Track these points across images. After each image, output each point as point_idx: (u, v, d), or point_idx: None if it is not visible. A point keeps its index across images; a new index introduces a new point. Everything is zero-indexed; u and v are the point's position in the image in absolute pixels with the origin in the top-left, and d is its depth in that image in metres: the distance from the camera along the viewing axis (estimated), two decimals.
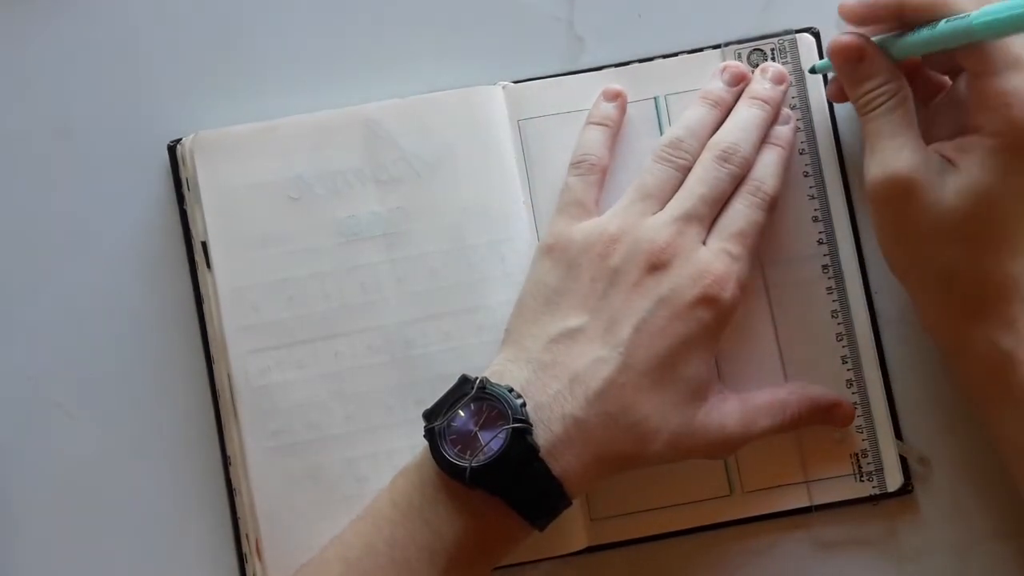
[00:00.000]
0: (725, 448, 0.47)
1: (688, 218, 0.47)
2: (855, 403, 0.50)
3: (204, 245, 0.50)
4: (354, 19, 0.53)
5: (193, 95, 0.53)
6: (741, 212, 0.48)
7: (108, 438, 0.52)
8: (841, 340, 0.50)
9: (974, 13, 0.42)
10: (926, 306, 0.47)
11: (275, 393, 0.49)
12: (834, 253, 0.51)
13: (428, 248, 0.50)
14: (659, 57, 0.52)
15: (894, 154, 0.45)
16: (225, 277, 0.50)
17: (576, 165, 0.50)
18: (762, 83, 0.50)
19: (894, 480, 0.50)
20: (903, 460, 0.50)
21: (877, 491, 0.50)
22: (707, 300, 0.46)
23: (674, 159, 0.49)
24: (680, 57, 0.52)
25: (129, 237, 0.52)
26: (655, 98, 0.52)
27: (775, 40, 0.51)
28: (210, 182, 0.50)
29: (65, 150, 0.52)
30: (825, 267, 0.51)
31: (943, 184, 0.44)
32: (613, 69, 0.52)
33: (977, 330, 0.45)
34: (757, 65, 0.51)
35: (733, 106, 0.50)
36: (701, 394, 0.46)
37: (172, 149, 0.52)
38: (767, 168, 0.49)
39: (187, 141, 0.50)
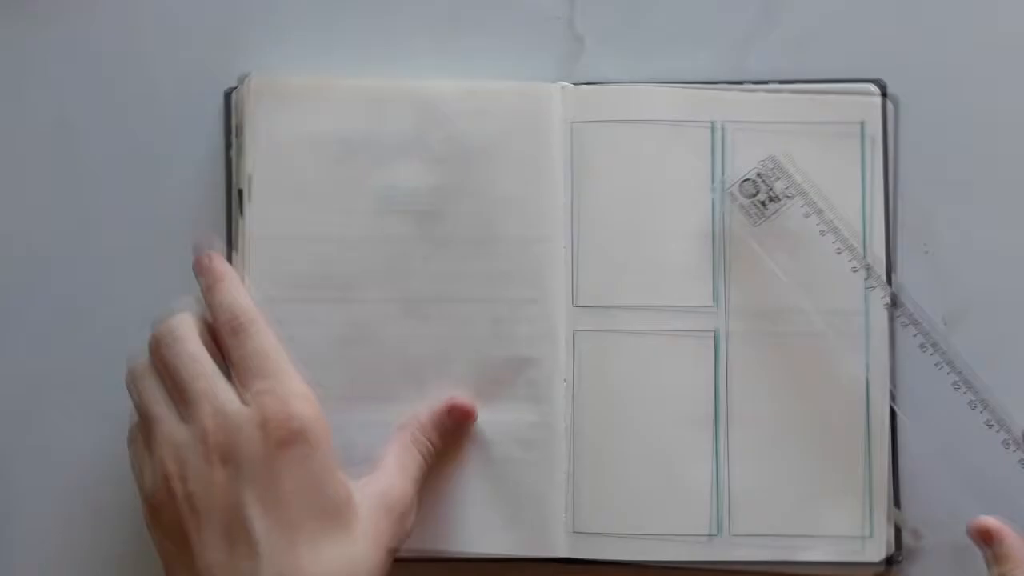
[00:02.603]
0: (409, 511, 0.47)
1: (200, 399, 0.45)
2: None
3: (240, 193, 0.51)
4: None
5: (251, 45, 0.53)
6: (239, 355, 0.46)
7: (108, 437, 0.51)
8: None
9: None
10: None
11: (285, 344, 0.49)
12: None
13: (459, 232, 0.50)
14: (724, 83, 0.52)
15: None
16: (256, 224, 0.50)
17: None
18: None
19: (881, 550, 0.49)
20: (897, 529, 0.49)
21: (864, 559, 0.49)
22: (283, 443, 0.44)
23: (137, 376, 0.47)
24: (745, 86, 0.51)
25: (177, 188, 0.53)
26: (711, 123, 0.51)
27: (759, 165, 0.50)
28: (261, 126, 0.51)
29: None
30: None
31: None
32: (679, 87, 0.51)
33: None
34: (754, 195, 0.50)
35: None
36: (347, 511, 0.45)
37: (229, 95, 0.52)
38: (221, 305, 0.47)
39: (247, 83, 0.51)
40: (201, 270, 0.48)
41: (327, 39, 0.53)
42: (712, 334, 0.50)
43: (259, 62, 0.52)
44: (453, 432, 0.50)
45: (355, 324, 0.50)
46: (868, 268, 0.50)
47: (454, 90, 0.51)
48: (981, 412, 0.48)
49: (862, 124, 0.51)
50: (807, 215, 0.50)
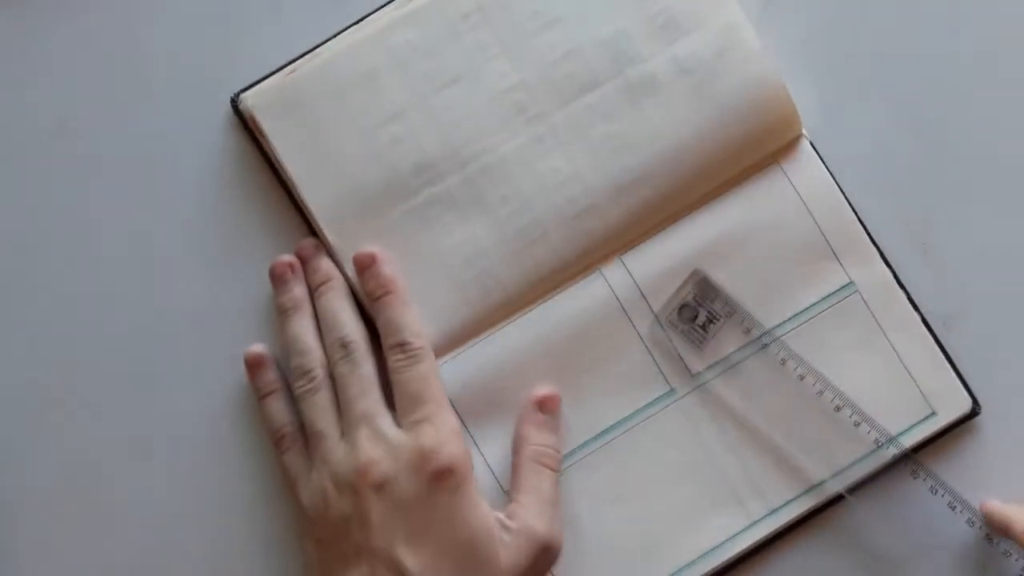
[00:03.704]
0: (555, 545, 0.48)
1: (363, 422, 0.47)
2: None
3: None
4: None
5: (253, 43, 0.53)
6: (404, 379, 0.48)
7: (108, 437, 0.52)
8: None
9: None
10: None
11: None
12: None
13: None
14: None
15: None
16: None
17: (278, 443, 0.50)
18: (311, 272, 0.50)
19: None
20: None
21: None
22: (435, 476, 0.46)
23: (310, 386, 0.49)
24: None
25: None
26: None
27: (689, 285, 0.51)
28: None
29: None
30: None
31: None
32: None
33: None
34: (696, 320, 0.51)
35: (308, 293, 0.50)
36: (492, 540, 0.46)
37: (235, 104, 0.52)
38: (394, 323, 0.49)
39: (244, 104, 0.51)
40: (363, 268, 0.49)
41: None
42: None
43: (259, 63, 0.52)
44: (556, 422, 0.50)
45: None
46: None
47: None
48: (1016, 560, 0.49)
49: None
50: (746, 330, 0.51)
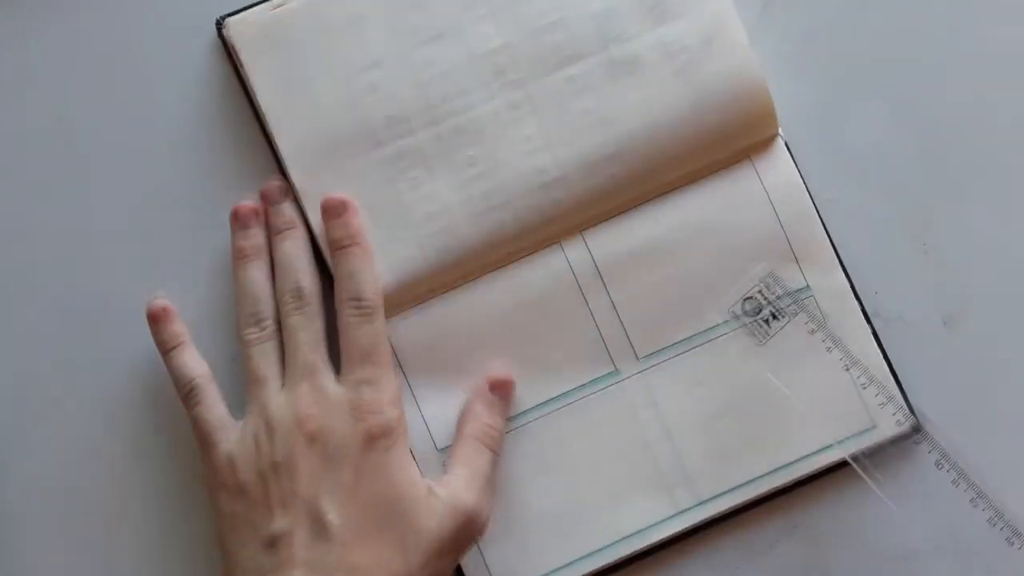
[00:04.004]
0: (480, 519, 0.48)
1: (306, 375, 0.47)
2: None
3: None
4: None
5: None
6: (353, 335, 0.48)
7: (108, 437, 0.52)
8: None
9: None
10: None
11: None
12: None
13: None
14: None
15: None
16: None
17: (187, 398, 0.49)
18: (274, 213, 0.50)
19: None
20: None
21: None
22: (370, 436, 0.46)
23: (259, 334, 0.49)
24: None
25: None
26: None
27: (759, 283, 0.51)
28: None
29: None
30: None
31: None
32: None
33: None
34: (758, 312, 0.51)
35: (268, 242, 0.50)
36: (418, 502, 0.46)
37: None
38: (352, 277, 0.48)
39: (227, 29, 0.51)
40: (333, 214, 0.49)
41: None
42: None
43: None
44: (507, 406, 0.50)
45: None
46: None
47: None
48: (1002, 530, 0.49)
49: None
50: (812, 331, 0.51)
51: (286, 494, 0.46)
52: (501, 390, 0.50)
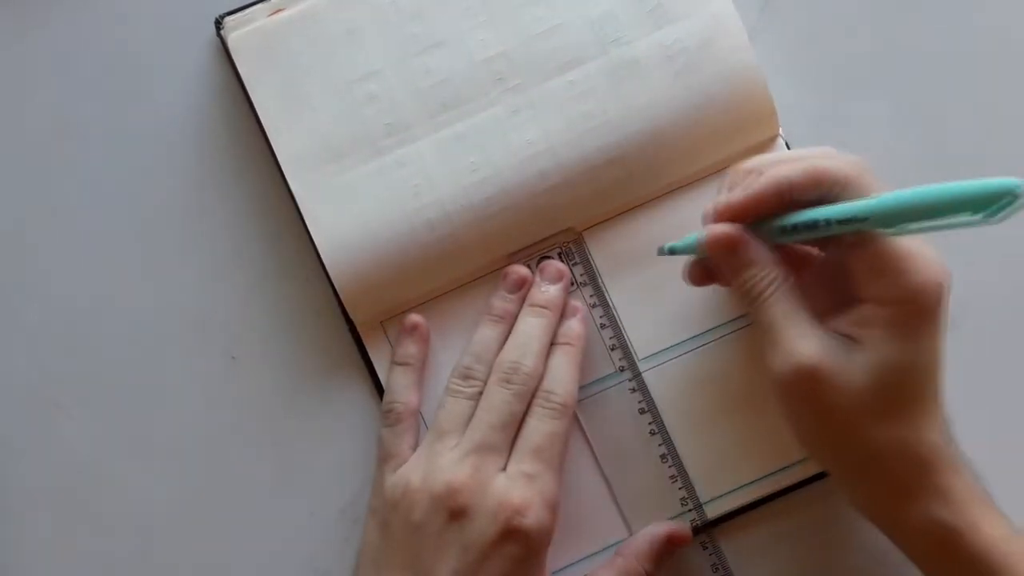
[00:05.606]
0: None
1: (480, 450, 0.47)
2: (692, 520, 0.51)
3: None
4: None
5: None
6: (534, 427, 0.47)
7: (108, 437, 0.52)
8: (666, 461, 0.51)
9: (864, 203, 0.41)
10: (854, 489, 0.45)
11: None
12: (636, 374, 0.51)
13: None
14: None
15: (795, 343, 0.42)
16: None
17: (385, 415, 0.50)
18: (539, 287, 0.50)
19: None
20: None
21: None
22: (509, 534, 0.45)
23: (464, 389, 0.48)
24: None
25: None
26: None
27: (558, 245, 0.51)
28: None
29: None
30: (632, 389, 0.51)
31: (851, 364, 0.42)
32: None
33: (911, 507, 0.43)
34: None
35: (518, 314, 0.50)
36: None
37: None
38: (555, 373, 0.48)
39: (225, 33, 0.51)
40: (570, 312, 0.50)
41: None
42: None
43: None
44: (667, 559, 0.50)
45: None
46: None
47: None
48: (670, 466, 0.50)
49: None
50: (594, 305, 0.51)
51: (412, 553, 0.46)
52: (677, 543, 0.50)
